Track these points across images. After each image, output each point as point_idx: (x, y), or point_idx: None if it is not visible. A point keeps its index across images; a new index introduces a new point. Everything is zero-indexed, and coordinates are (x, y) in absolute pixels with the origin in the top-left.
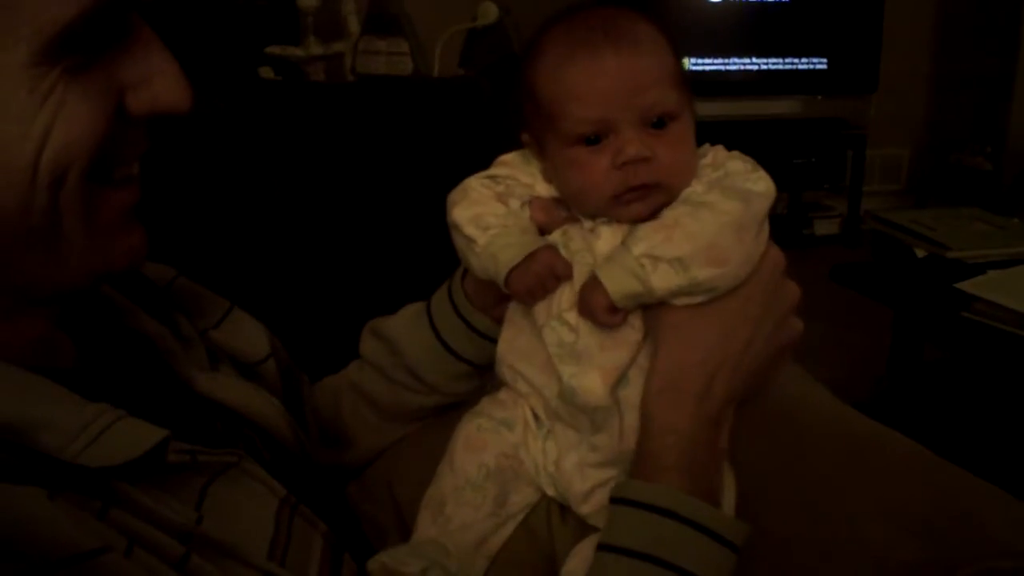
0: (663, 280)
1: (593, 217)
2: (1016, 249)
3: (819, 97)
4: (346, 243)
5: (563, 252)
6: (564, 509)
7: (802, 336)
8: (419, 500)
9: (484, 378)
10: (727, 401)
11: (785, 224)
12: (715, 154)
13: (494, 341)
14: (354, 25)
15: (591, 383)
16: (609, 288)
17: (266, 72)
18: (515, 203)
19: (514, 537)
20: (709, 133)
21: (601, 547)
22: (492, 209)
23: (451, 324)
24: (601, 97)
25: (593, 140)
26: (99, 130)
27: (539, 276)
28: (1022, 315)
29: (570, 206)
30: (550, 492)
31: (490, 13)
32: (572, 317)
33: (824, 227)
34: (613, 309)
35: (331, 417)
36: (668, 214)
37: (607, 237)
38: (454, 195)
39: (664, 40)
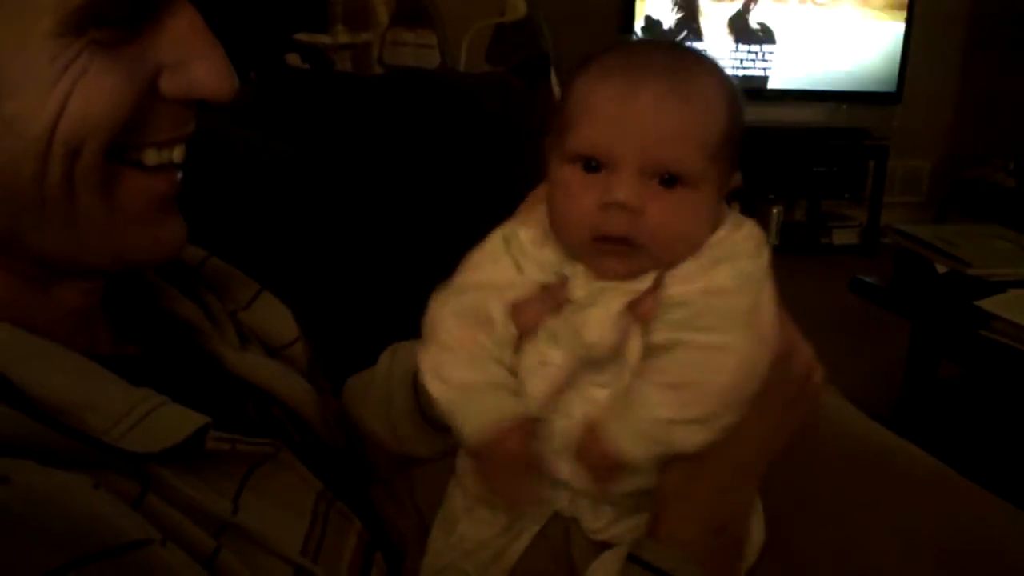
0: (690, 440)
1: (576, 259)
2: None
3: (843, 106)
4: (369, 237)
5: (547, 346)
6: None
7: (818, 348)
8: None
9: None
10: (742, 505)
11: (803, 232)
12: (732, 230)
13: None
14: (383, 15)
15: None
16: (628, 454)
17: (293, 59)
18: (498, 312)
19: (532, 548)
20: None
21: None
22: (460, 352)
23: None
24: (613, 122)
25: (592, 168)
26: (122, 105)
27: (505, 466)
28: None
29: (555, 236)
30: (565, 512)
31: (519, 8)
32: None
33: (843, 236)
34: (616, 469)
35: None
36: (673, 368)
37: (595, 323)
38: (425, 329)
39: (723, 107)
